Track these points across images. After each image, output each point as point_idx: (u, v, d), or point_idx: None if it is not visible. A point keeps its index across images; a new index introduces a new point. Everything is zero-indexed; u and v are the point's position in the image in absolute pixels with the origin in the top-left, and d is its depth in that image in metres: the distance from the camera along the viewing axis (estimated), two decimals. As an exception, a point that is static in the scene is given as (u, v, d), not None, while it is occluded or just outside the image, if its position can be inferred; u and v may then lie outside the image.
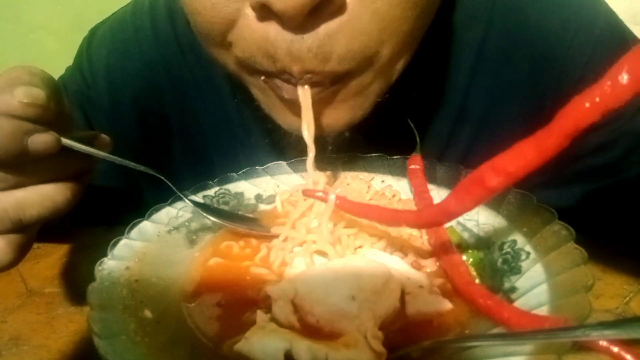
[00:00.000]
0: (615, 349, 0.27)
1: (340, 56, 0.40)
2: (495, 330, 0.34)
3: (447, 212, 0.36)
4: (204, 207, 0.51)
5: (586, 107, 0.25)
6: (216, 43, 0.44)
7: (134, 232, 0.45)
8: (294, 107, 0.46)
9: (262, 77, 0.45)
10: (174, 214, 0.50)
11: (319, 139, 0.48)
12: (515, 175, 0.30)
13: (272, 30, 0.39)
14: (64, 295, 0.53)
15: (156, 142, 0.70)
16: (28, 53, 1.51)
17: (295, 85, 0.44)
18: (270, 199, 0.55)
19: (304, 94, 0.44)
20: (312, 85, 0.43)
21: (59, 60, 0.70)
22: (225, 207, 0.53)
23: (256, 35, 0.40)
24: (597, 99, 0.24)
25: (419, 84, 0.53)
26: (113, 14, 0.71)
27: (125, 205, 0.59)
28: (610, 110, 0.24)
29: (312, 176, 0.50)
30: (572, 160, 0.60)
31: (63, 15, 1.48)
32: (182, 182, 0.50)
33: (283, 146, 0.56)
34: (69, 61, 0.71)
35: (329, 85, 0.44)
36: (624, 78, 0.23)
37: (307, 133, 0.47)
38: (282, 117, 0.49)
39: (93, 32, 0.69)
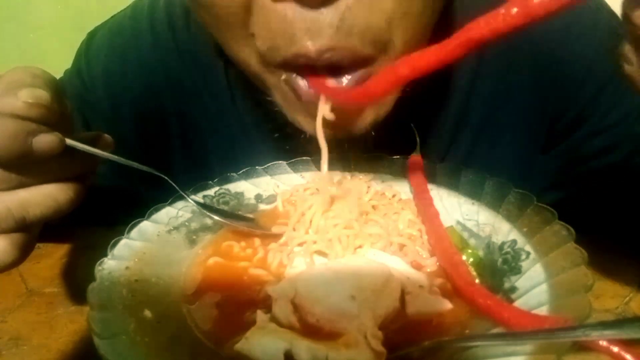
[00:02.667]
0: (615, 349, 0.27)
1: (361, 31, 0.40)
2: (495, 330, 0.34)
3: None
4: (205, 207, 0.51)
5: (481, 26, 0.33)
6: (240, 36, 0.44)
7: (134, 232, 0.45)
8: (314, 109, 0.45)
9: (283, 77, 0.45)
10: (174, 214, 0.50)
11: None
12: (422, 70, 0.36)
13: (290, 10, 0.39)
14: (64, 295, 0.53)
15: (155, 146, 0.69)
16: (28, 53, 1.51)
17: (313, 73, 0.43)
18: (270, 199, 0.55)
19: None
20: (331, 69, 0.43)
21: (59, 60, 0.70)
22: (225, 207, 0.53)
23: (274, 16, 0.40)
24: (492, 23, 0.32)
25: (421, 87, 0.53)
26: (112, 17, 0.70)
27: (125, 205, 0.59)
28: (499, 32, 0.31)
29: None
30: (574, 163, 0.60)
31: (63, 15, 1.48)
32: (181, 186, 0.50)
33: (283, 150, 0.56)
34: (69, 61, 0.71)
35: (347, 70, 0.43)
36: (513, 11, 0.30)
37: (321, 133, 0.46)
38: (302, 121, 0.49)
39: (91, 35, 0.69)
